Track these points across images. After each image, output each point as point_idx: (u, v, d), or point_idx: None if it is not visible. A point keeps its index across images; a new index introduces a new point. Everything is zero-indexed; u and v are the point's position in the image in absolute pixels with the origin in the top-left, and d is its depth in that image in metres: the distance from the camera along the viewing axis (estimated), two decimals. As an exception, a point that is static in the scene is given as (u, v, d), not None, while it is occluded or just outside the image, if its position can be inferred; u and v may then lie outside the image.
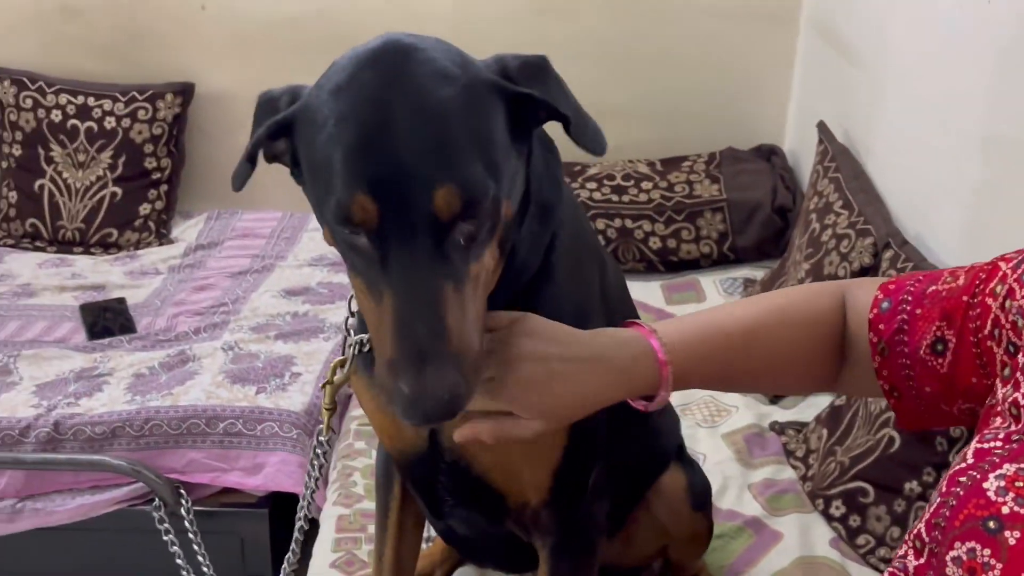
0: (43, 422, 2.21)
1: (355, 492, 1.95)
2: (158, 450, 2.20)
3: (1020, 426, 0.86)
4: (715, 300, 2.62)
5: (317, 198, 0.86)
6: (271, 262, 2.94)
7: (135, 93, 3.08)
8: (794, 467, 1.97)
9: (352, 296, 1.03)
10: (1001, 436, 0.86)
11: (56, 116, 3.07)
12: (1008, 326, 0.92)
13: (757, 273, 2.73)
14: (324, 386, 1.08)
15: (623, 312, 1.24)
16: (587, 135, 0.93)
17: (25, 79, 3.10)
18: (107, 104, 3.07)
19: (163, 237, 3.11)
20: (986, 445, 0.86)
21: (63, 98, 3.08)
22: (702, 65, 3.09)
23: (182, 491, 2.19)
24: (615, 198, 2.83)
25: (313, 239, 3.05)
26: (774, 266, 2.65)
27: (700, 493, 1.49)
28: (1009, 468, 0.82)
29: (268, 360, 2.41)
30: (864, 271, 2.10)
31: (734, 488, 1.92)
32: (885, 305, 1.03)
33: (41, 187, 3.08)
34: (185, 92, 3.13)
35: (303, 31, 3.07)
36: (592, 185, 2.85)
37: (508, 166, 0.89)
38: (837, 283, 1.10)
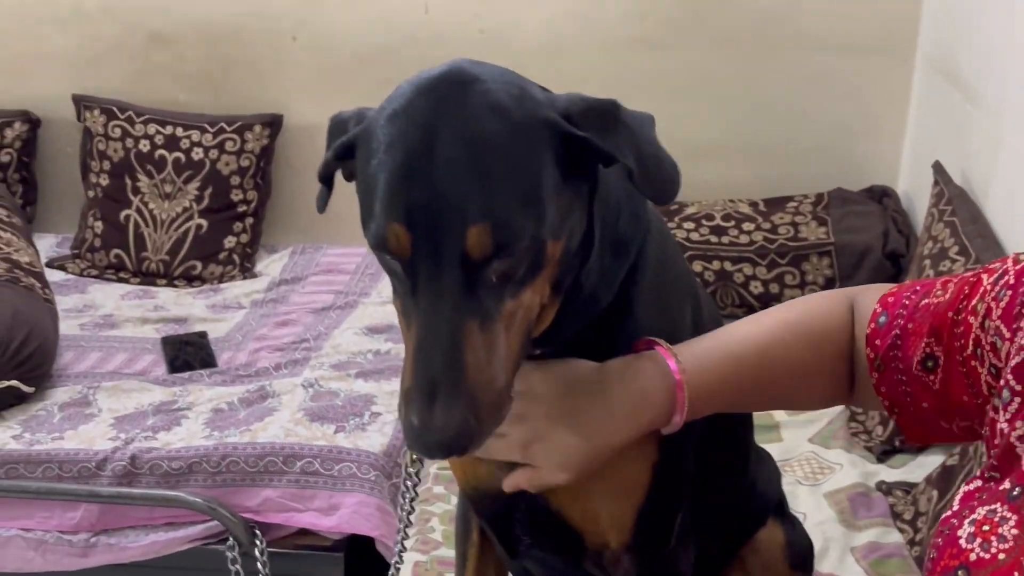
0: (120, 455, 2.27)
1: (432, 538, 1.96)
2: (234, 488, 2.25)
3: (996, 462, 0.85)
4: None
5: (362, 220, 0.89)
6: (354, 298, 3.00)
7: (224, 124, 3.18)
8: (901, 530, 1.92)
9: None
10: (979, 473, 0.86)
11: (144, 146, 3.19)
12: (988, 347, 0.92)
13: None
14: None
15: None
16: (653, 183, 0.94)
17: (114, 108, 3.23)
18: (195, 135, 3.18)
19: (247, 271, 3.20)
20: (971, 487, 0.86)
21: (151, 128, 3.20)
22: (811, 100, 3.07)
23: (256, 531, 2.22)
24: (714, 239, 2.81)
25: (398, 275, 3.09)
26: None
27: (800, 552, 1.45)
28: (980, 511, 0.82)
29: (348, 398, 2.45)
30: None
31: (836, 550, 1.89)
32: (882, 320, 1.03)
33: (127, 217, 3.19)
34: (273, 124, 3.22)
35: (393, 62, 3.13)
36: (690, 225, 2.85)
37: (556, 206, 0.90)
38: (846, 291, 1.10)
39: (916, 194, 2.93)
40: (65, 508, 2.28)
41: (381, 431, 2.34)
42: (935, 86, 2.84)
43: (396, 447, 2.31)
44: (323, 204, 1.01)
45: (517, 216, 0.85)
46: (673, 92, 3.08)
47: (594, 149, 0.91)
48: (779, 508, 1.47)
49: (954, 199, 2.41)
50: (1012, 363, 0.88)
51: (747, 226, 2.85)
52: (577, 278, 1.00)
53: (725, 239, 2.82)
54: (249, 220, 3.21)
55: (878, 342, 1.03)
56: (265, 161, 3.22)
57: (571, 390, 1.01)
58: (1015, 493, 0.82)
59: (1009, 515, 0.81)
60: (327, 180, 0.99)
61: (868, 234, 2.81)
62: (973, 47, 2.53)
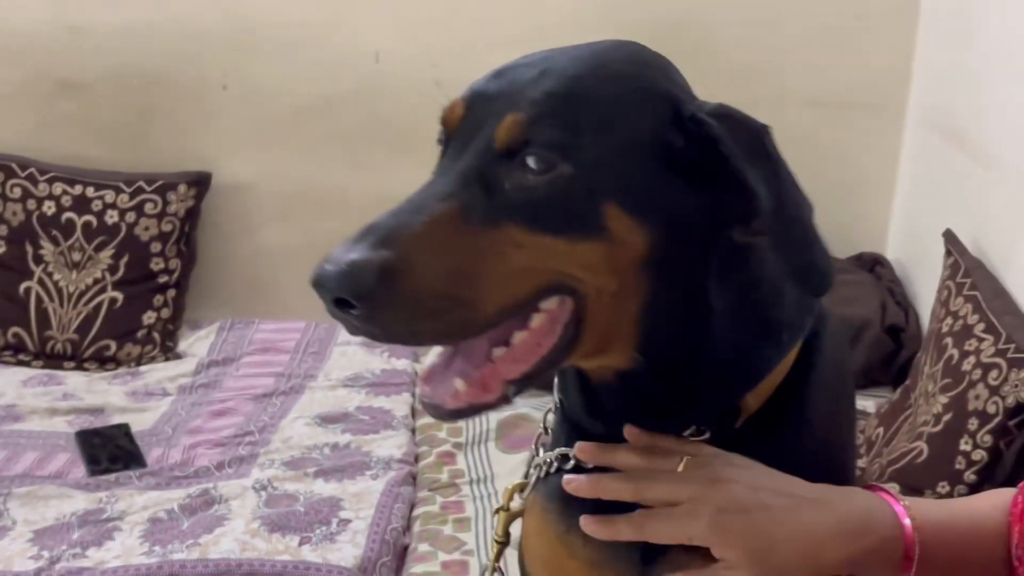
0: (45, 578, 2.07)
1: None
2: (184, 615, 2.06)
3: None
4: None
5: None
6: (299, 382, 2.84)
7: (143, 183, 3.04)
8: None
9: (548, 410, 1.09)
10: None
11: (49, 208, 3.04)
12: None
13: (867, 403, 2.61)
14: (496, 512, 1.11)
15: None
16: (789, 247, 0.92)
17: (14, 165, 3.07)
18: (109, 195, 3.03)
19: (169, 351, 3.04)
20: None
21: (57, 187, 3.05)
22: (793, 160, 2.99)
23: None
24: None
25: (345, 354, 2.97)
26: (889, 395, 2.54)
27: None
28: None
29: (309, 503, 2.29)
30: (1022, 408, 1.99)
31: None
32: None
33: (27, 290, 3.03)
34: (200, 183, 3.09)
35: (338, 115, 3.05)
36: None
37: (642, 175, 0.88)
38: None
39: (911, 263, 2.91)
40: (-24, 645, 2.05)
41: (353, 541, 2.17)
42: (931, 146, 2.83)
43: (371, 560, 2.14)
44: None
45: (568, 130, 0.84)
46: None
47: (719, 159, 0.89)
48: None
49: (972, 271, 2.36)
50: None
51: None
52: (686, 331, 0.96)
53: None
54: (171, 292, 3.06)
55: None
56: (190, 225, 3.07)
57: (784, 476, 0.93)
58: None
59: None
60: None
61: (863, 307, 2.75)
62: (983, 107, 2.51)
